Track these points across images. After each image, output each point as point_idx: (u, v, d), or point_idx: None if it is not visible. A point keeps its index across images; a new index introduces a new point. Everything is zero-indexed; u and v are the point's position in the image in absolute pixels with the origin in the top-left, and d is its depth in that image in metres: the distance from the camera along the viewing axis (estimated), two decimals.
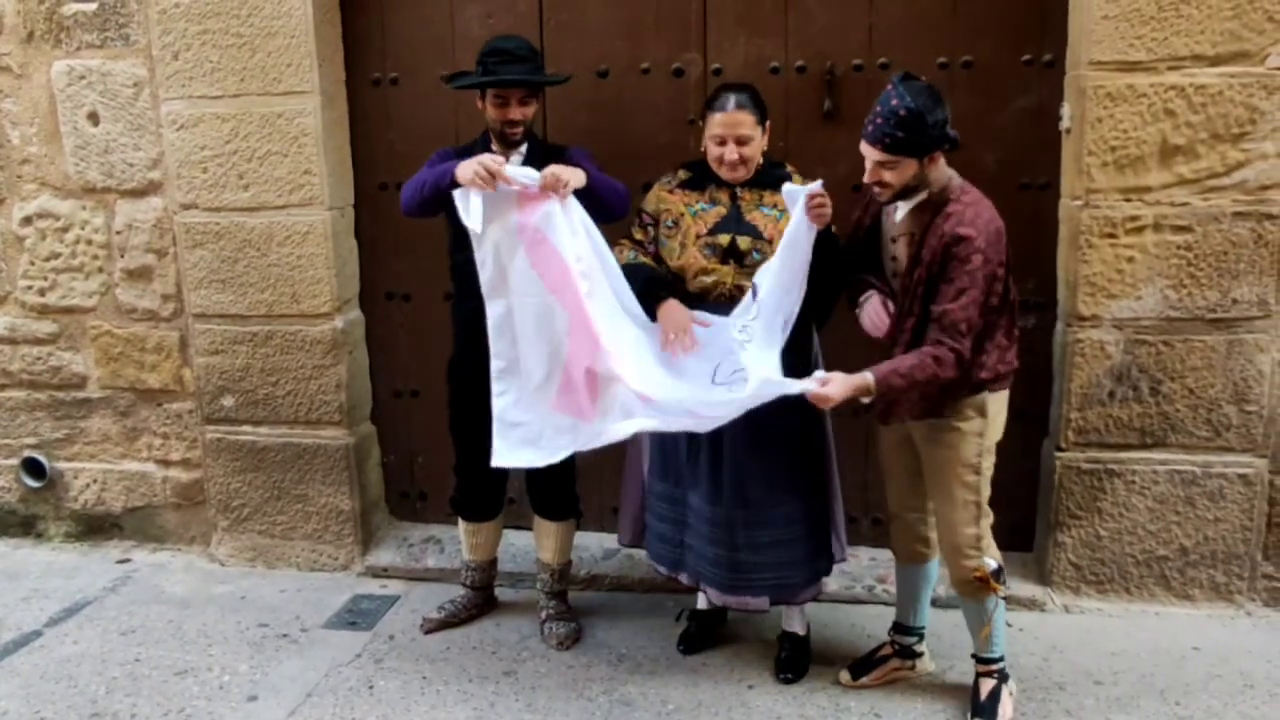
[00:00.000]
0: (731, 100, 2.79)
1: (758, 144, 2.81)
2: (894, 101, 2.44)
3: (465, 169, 2.73)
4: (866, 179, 2.57)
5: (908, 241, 2.62)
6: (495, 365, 2.87)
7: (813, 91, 3.38)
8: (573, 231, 2.75)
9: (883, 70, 3.32)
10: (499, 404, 2.87)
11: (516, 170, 2.76)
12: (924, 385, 2.52)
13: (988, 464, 2.68)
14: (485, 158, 2.73)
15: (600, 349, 2.73)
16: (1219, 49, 2.98)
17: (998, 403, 2.67)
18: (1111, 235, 3.12)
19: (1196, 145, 3.04)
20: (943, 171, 2.58)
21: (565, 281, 2.74)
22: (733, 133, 2.78)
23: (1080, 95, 3.09)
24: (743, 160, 2.80)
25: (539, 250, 2.75)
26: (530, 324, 2.80)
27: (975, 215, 2.50)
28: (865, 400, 2.55)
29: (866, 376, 2.50)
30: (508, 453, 2.88)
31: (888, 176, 2.52)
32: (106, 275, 3.90)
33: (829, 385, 2.50)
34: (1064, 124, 3.20)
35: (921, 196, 2.58)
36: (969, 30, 3.26)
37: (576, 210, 2.78)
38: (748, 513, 2.87)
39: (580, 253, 2.75)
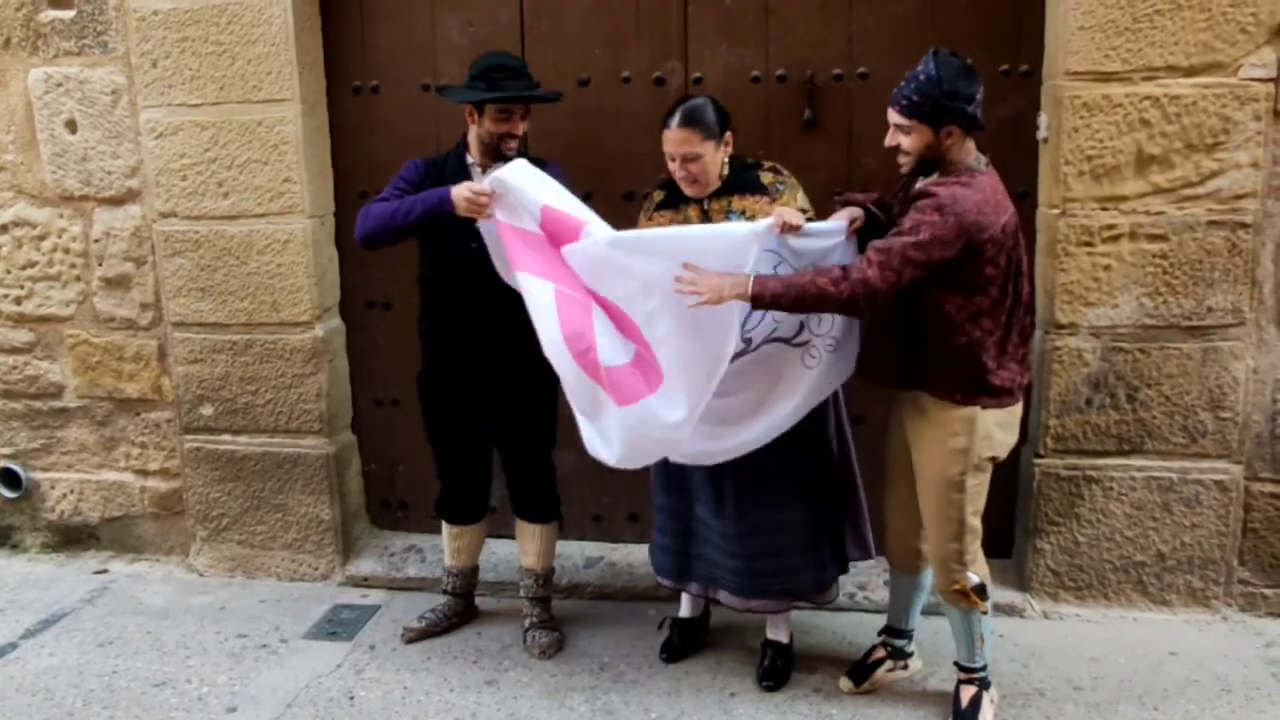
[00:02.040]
0: (675, 118, 2.71)
1: (709, 159, 2.72)
2: (920, 67, 2.46)
3: (460, 200, 2.75)
4: (886, 142, 2.57)
5: None
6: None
7: (793, 101, 3.40)
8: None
9: (862, 80, 3.35)
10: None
11: (504, 177, 2.74)
12: (809, 297, 2.43)
13: (975, 482, 2.61)
14: (467, 186, 2.76)
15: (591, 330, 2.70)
16: (1193, 60, 3.02)
17: (990, 420, 2.56)
18: (1088, 244, 3.15)
19: (1171, 155, 3.07)
20: (966, 153, 2.53)
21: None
22: (678, 150, 2.71)
23: (1057, 105, 3.12)
24: (694, 178, 2.74)
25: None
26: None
27: (962, 190, 2.42)
28: (746, 303, 2.48)
29: (746, 277, 2.45)
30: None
31: (902, 141, 2.52)
32: (84, 284, 3.87)
33: (700, 279, 2.46)
34: (1041, 133, 3.23)
35: (933, 178, 2.54)
36: (947, 40, 3.25)
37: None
38: (752, 521, 2.86)
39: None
